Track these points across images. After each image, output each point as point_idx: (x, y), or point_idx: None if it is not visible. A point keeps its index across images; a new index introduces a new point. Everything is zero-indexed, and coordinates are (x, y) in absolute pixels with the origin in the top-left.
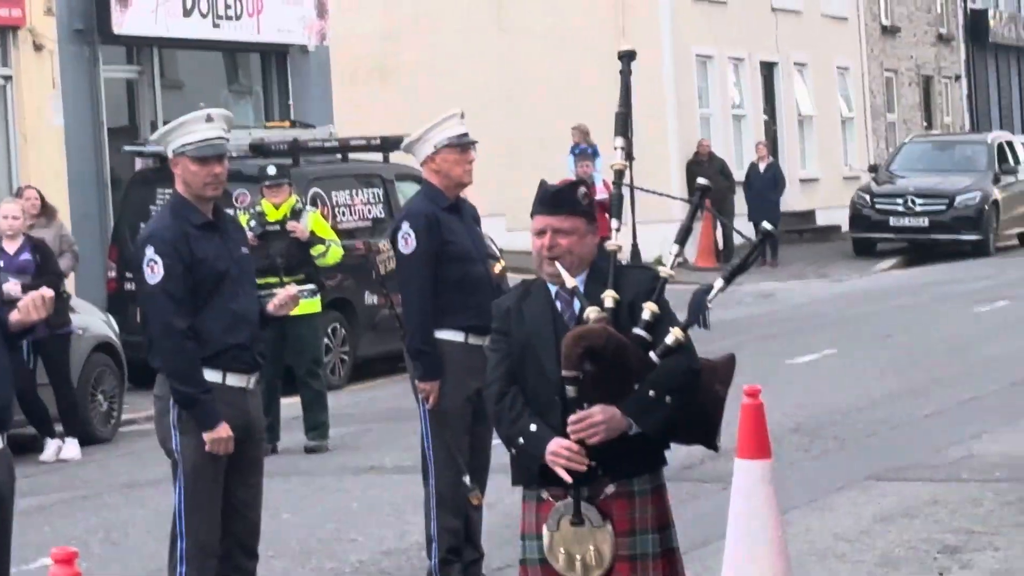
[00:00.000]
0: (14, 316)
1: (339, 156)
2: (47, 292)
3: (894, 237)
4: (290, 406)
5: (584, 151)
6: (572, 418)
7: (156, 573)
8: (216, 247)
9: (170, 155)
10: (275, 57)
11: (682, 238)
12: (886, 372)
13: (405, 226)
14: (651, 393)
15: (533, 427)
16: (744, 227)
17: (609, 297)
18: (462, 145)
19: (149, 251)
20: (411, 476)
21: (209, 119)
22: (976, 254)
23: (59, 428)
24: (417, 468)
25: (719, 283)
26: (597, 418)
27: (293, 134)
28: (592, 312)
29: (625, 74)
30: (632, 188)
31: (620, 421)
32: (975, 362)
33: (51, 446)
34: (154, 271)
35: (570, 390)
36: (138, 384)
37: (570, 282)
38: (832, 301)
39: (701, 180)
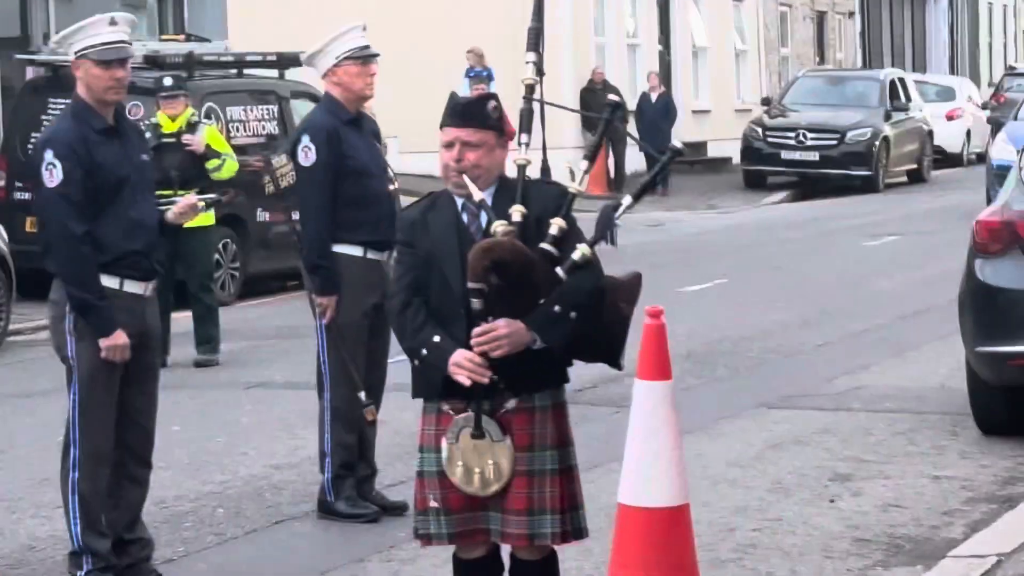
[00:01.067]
0: None
1: (234, 71)
2: None
3: (785, 171)
4: (180, 320)
5: (479, 74)
6: (476, 331)
7: (43, 483)
8: (116, 152)
9: (72, 57)
10: None
11: (591, 154)
12: (776, 303)
13: (305, 139)
14: (556, 308)
15: (436, 338)
16: (635, 157)
17: (517, 211)
18: (364, 57)
19: (48, 155)
20: (301, 392)
21: (113, 23)
22: (865, 190)
23: None
24: (308, 384)
25: (627, 200)
26: (501, 331)
27: (188, 47)
28: (499, 226)
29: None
30: (542, 104)
31: (524, 335)
32: (864, 295)
33: None
34: (52, 175)
35: (475, 303)
36: (26, 295)
37: (477, 195)
38: (722, 232)
39: (613, 97)
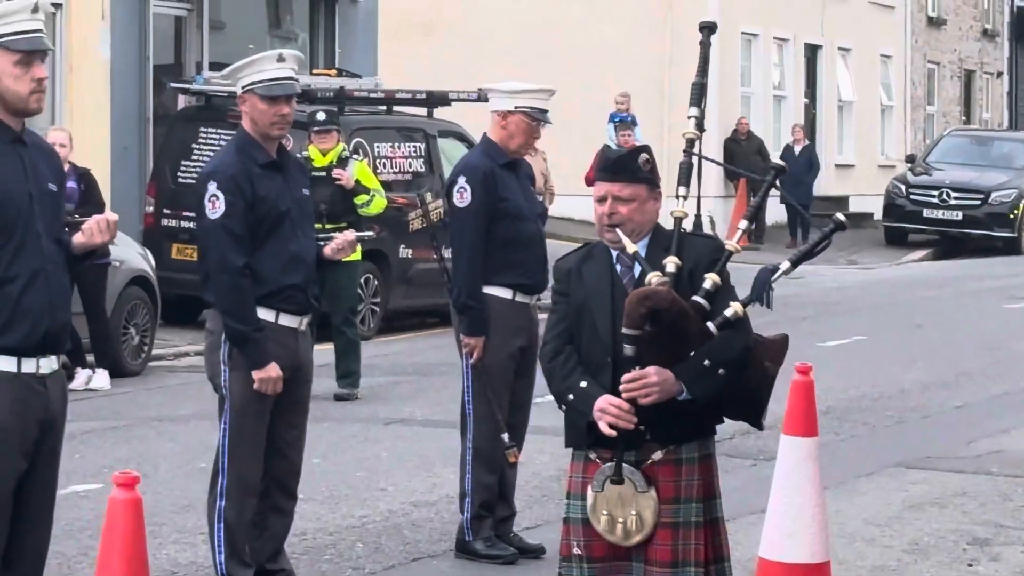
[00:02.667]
0: (78, 238)
1: (383, 108)
2: (111, 216)
3: (927, 229)
4: (321, 353)
5: (624, 119)
6: (626, 377)
7: (186, 509)
8: (278, 186)
9: (239, 91)
10: (324, 4)
11: (752, 215)
12: (915, 361)
13: (461, 180)
14: (706, 363)
15: (584, 384)
16: (776, 208)
17: (671, 263)
18: (538, 119)
19: (211, 186)
20: (440, 430)
21: (281, 59)
22: (1008, 251)
23: (90, 358)
24: (446, 422)
25: (785, 265)
26: (652, 379)
27: (339, 83)
28: (654, 276)
29: (704, 45)
30: (700, 159)
31: (673, 385)
32: (1004, 358)
33: (81, 375)
34: (215, 206)
35: (628, 349)
36: (170, 320)
37: (631, 247)
38: (862, 288)
39: (777, 161)
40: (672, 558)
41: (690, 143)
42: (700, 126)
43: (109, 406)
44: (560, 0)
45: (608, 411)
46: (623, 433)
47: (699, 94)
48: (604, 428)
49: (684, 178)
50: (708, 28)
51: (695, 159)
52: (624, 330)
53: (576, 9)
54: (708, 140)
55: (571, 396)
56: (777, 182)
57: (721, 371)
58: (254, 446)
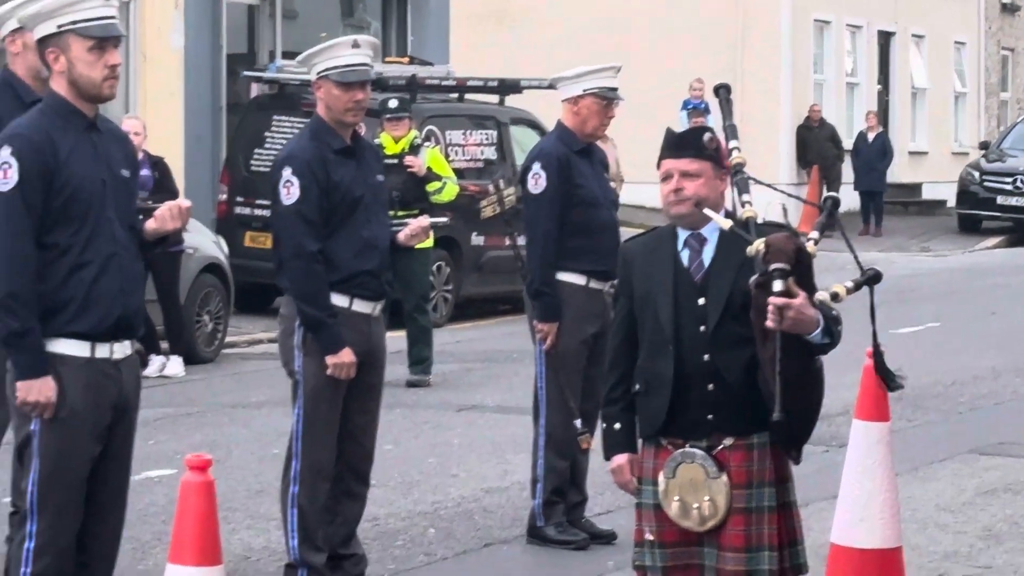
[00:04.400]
0: (150, 224)
1: (455, 96)
2: (184, 203)
3: (1000, 216)
4: (393, 340)
5: (698, 106)
6: (775, 300)
7: (259, 494)
8: (352, 173)
9: (314, 78)
10: None
11: (819, 234)
12: (989, 348)
13: (536, 166)
14: (834, 313)
15: (618, 425)
16: (850, 195)
17: (758, 245)
18: (609, 99)
19: (286, 172)
20: (512, 416)
21: (356, 45)
22: None
23: (164, 345)
24: (518, 408)
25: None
26: (799, 300)
27: (411, 70)
28: (759, 244)
29: (725, 101)
30: (750, 181)
31: (811, 323)
32: None
33: (155, 362)
34: (290, 192)
35: (778, 284)
36: (243, 308)
37: (725, 223)
38: (935, 275)
39: (831, 194)
40: (746, 543)
41: (739, 166)
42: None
43: (183, 393)
44: None
45: (619, 474)
46: (693, 421)
47: (734, 133)
48: (616, 480)
49: (744, 188)
50: (724, 88)
51: (744, 176)
52: (774, 265)
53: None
54: (781, 127)
55: (604, 425)
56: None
57: (839, 329)
58: (327, 431)
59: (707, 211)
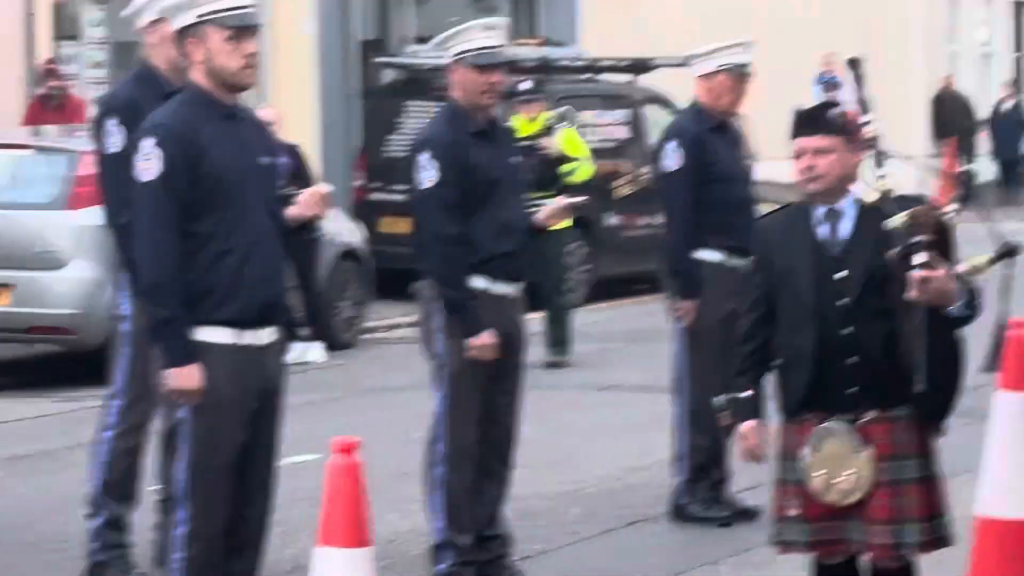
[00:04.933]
0: (292, 211)
1: (587, 76)
2: (324, 188)
3: None
4: (532, 321)
5: (831, 80)
6: (920, 270)
7: (403, 477)
8: (489, 155)
9: (449, 61)
10: None
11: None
12: None
13: (671, 144)
14: (971, 289)
15: (744, 394)
16: (988, 167)
17: (900, 218)
18: (740, 74)
19: (424, 156)
20: (652, 395)
21: (489, 27)
22: None
23: (304, 331)
24: (658, 387)
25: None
26: (940, 273)
27: (543, 52)
28: (901, 217)
29: (857, 74)
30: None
31: (953, 291)
32: None
33: (296, 348)
34: (427, 176)
35: (921, 256)
36: (381, 293)
37: (866, 197)
38: None
39: (967, 167)
40: (891, 515)
41: (872, 139)
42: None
43: (324, 378)
44: None
45: (747, 439)
46: (835, 395)
47: (867, 106)
48: (738, 452)
49: (879, 161)
50: (857, 61)
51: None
52: (917, 238)
53: None
54: (915, 98)
55: (732, 393)
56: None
57: (979, 302)
58: (470, 413)
59: (860, 185)
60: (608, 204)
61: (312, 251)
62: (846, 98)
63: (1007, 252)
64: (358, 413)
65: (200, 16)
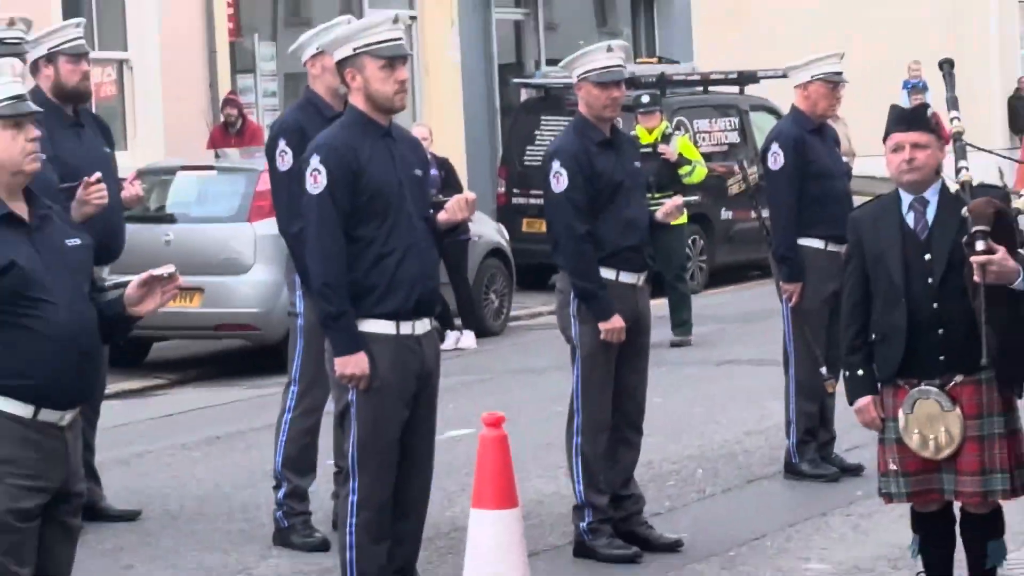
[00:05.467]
0: (442, 216)
1: (700, 89)
2: (470, 195)
3: None
4: (657, 306)
5: (916, 85)
6: (979, 256)
7: (547, 447)
8: (613, 161)
9: (575, 80)
10: (643, 1)
11: None
12: None
13: (775, 146)
14: None
15: (861, 372)
16: None
17: (965, 209)
18: (835, 83)
19: (555, 164)
20: (766, 368)
21: (610, 49)
22: None
23: (457, 321)
24: (771, 361)
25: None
26: (1001, 255)
27: (660, 69)
28: (977, 204)
29: (948, 74)
30: (967, 147)
31: (1013, 272)
32: None
33: (451, 337)
34: (559, 182)
35: (979, 244)
36: (524, 285)
37: (952, 186)
38: None
39: None
40: (980, 467)
41: (958, 134)
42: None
43: (475, 362)
44: None
45: (864, 413)
46: (926, 363)
47: (955, 104)
48: (859, 420)
49: (962, 154)
50: (948, 63)
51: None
52: (975, 228)
53: None
54: (991, 100)
55: (847, 373)
56: None
57: None
58: (603, 389)
59: (946, 174)
60: (722, 201)
61: (462, 251)
62: (931, 101)
63: None
64: (505, 392)
65: (356, 49)
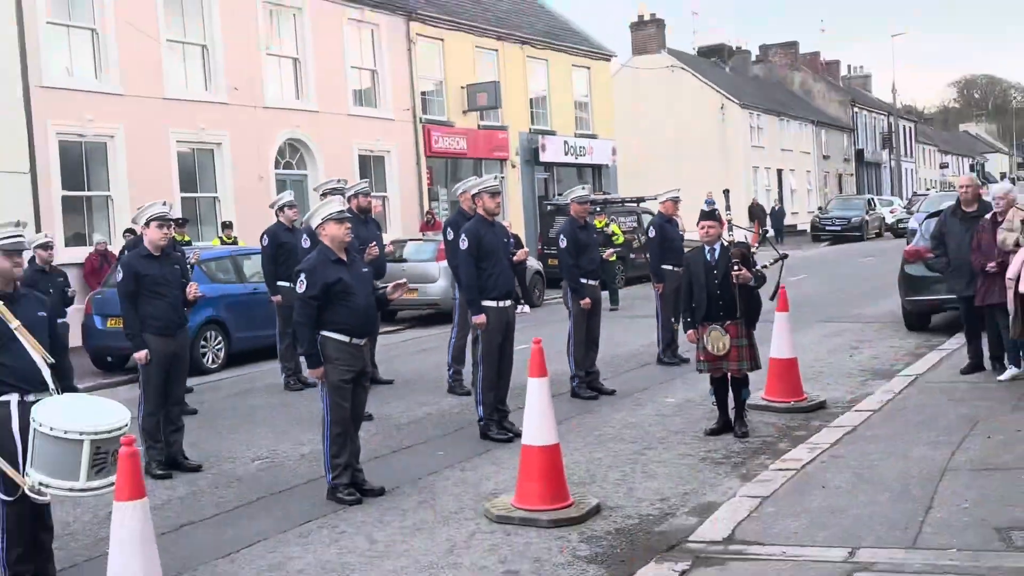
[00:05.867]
0: (516, 257)
1: (620, 203)
2: (526, 250)
3: None
4: (606, 295)
5: (709, 201)
6: (737, 273)
7: (558, 353)
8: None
9: (566, 199)
10: (596, 170)
11: None
12: None
13: (651, 228)
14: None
15: (688, 319)
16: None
17: (730, 250)
18: (675, 200)
19: (560, 236)
20: (650, 319)
21: (583, 189)
22: None
23: (522, 300)
24: (651, 315)
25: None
26: (744, 272)
27: (603, 196)
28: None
29: (725, 195)
30: None
31: (750, 278)
32: None
33: (521, 307)
34: (562, 242)
35: (736, 268)
36: (549, 286)
37: (730, 238)
38: None
39: None
40: (738, 358)
41: (729, 221)
42: None
43: (528, 319)
44: None
45: (689, 337)
46: (714, 314)
47: (727, 208)
48: (688, 339)
49: (729, 228)
50: (725, 191)
51: None
52: (734, 260)
53: None
54: (743, 205)
55: (684, 319)
56: None
57: (762, 280)
58: (582, 328)
59: None
60: (628, 249)
61: (524, 270)
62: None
63: (779, 258)
64: (541, 330)
65: (479, 189)
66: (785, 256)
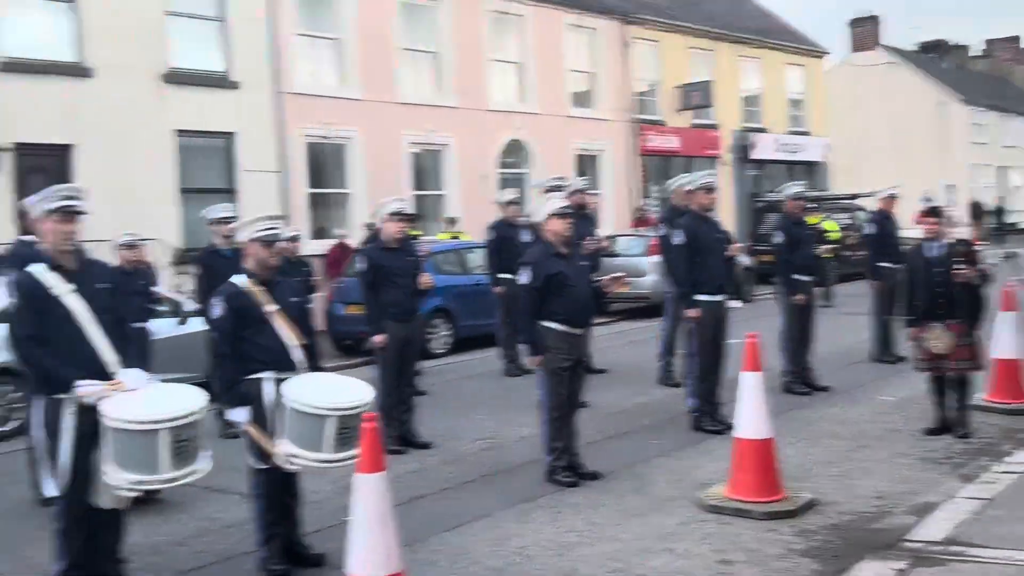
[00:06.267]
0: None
1: None
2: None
3: None
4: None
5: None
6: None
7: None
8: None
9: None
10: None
11: None
12: None
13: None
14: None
15: None
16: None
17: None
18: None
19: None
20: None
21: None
22: None
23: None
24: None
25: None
26: (970, 271)
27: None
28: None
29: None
30: None
31: (975, 276)
32: None
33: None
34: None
35: (960, 265)
36: None
37: (952, 239)
38: None
39: None
40: (959, 357)
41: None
42: None
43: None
44: None
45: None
46: (937, 313)
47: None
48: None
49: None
50: None
51: None
52: (958, 257)
53: None
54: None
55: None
56: None
57: (990, 279)
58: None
59: None
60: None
61: (734, 266)
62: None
63: (1009, 256)
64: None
65: (696, 185)
66: (1015, 254)
